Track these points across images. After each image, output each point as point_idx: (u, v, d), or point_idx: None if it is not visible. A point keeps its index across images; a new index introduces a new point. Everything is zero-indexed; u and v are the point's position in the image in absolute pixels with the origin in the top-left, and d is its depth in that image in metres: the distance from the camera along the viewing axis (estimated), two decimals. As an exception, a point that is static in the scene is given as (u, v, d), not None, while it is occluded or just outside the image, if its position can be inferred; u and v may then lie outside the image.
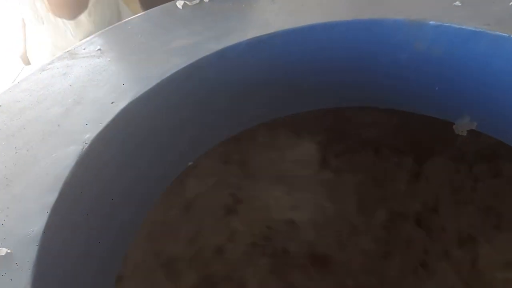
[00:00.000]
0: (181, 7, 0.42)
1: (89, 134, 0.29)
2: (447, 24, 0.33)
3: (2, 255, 0.23)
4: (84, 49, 0.39)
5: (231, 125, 0.39)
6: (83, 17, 0.72)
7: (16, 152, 0.29)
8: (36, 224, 0.24)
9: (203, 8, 0.41)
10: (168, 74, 0.34)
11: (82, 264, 0.26)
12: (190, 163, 0.36)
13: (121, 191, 0.30)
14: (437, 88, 0.36)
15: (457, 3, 0.34)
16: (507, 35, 0.30)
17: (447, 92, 0.36)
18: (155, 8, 0.42)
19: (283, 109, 0.41)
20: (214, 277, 0.49)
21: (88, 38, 0.40)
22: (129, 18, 0.42)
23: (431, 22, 0.33)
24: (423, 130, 0.42)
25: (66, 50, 0.40)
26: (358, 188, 0.51)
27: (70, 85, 0.35)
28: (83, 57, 0.38)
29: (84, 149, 0.28)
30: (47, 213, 0.25)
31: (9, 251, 0.23)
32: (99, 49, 0.38)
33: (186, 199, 0.44)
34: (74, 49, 0.39)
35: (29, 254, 0.23)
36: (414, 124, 0.42)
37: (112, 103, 0.32)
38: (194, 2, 0.42)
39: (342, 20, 0.36)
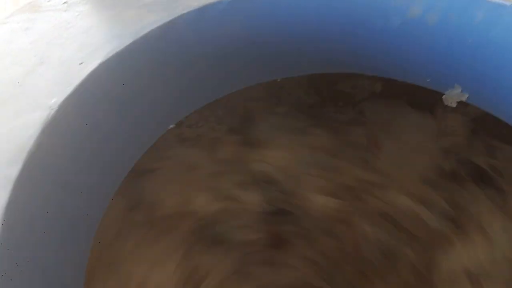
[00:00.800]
0: (156, -42, 0.38)
1: (56, 99, 0.26)
2: (445, -11, 0.31)
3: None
4: (48, 1, 0.35)
5: (209, 90, 0.36)
6: None
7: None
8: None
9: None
10: (142, 33, 0.31)
11: (49, 240, 0.24)
12: (171, 126, 0.34)
13: (93, 160, 0.28)
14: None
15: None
16: (509, 3, 0.29)
17: (439, 61, 0.34)
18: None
19: (265, 75, 0.39)
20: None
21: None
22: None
23: (428, -14, 0.31)
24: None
25: (28, 1, 0.36)
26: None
27: (32, 42, 0.31)
28: (48, 10, 0.34)
29: (50, 115, 0.26)
30: (10, 187, 0.22)
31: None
32: (65, 2, 0.34)
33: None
34: (36, 2, 0.35)
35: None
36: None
37: (80, 63, 0.29)
38: (171, -48, 0.38)
39: (334, -21, 0.33)
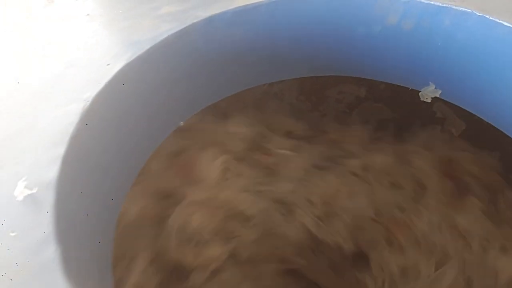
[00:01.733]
0: (165, -24, 0.43)
1: (89, 93, 0.31)
2: (417, 0, 0.36)
3: (24, 195, 0.24)
4: (71, 12, 0.40)
5: (218, 90, 0.41)
6: None
7: (15, 112, 0.30)
8: (51, 171, 0.26)
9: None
10: (158, 40, 0.35)
11: (92, 205, 0.28)
12: (181, 123, 0.38)
13: (121, 144, 0.32)
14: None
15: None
16: (470, 10, 0.34)
17: (415, 62, 0.40)
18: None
19: (263, 77, 0.44)
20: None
21: (74, 2, 0.41)
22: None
23: (403, -3, 0.37)
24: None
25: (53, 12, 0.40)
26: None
27: (60, 49, 0.35)
28: (72, 20, 0.38)
29: (86, 106, 0.30)
30: (59, 162, 0.26)
31: (33, 191, 0.24)
32: (88, 14, 0.39)
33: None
34: (60, 13, 0.40)
35: (48, 196, 0.24)
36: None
37: (108, 65, 0.33)
38: (178, -29, 0.43)
39: (323, -7, 0.39)
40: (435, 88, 0.40)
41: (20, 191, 0.25)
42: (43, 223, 0.24)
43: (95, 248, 0.27)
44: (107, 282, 0.28)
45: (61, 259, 0.22)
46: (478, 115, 0.40)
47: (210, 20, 0.37)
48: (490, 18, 0.34)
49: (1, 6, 0.40)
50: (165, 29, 0.36)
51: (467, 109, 0.40)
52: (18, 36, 0.39)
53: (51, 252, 0.22)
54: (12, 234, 0.24)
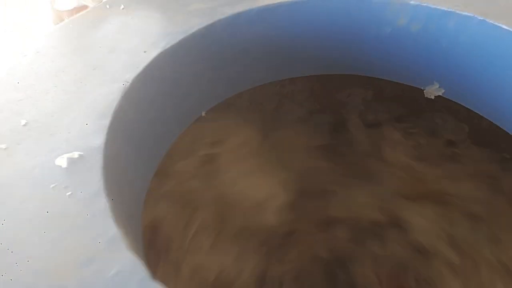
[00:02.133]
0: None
1: (129, 75, 0.34)
2: (424, 4, 0.40)
3: (75, 157, 0.28)
4: (108, 7, 0.43)
5: (238, 82, 0.44)
6: None
7: (63, 89, 0.34)
8: (98, 139, 0.29)
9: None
10: (190, 32, 0.39)
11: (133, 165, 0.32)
12: (203, 114, 0.42)
13: (155, 119, 0.36)
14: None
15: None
16: (472, 14, 0.38)
17: (420, 62, 0.43)
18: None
19: (282, 73, 0.47)
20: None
21: (111, -1, 0.45)
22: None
23: (411, 2, 0.40)
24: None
25: (89, 9, 0.44)
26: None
27: (103, 37, 0.39)
28: (110, 14, 0.42)
29: (127, 86, 0.33)
30: (105, 131, 0.30)
31: (81, 153, 0.28)
32: (123, 8, 0.43)
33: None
34: (99, 7, 0.44)
35: (97, 159, 0.28)
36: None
37: (145, 52, 0.37)
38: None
39: (339, -4, 0.43)
40: (439, 87, 0.44)
41: (71, 156, 0.29)
42: (95, 181, 0.27)
43: (133, 197, 0.31)
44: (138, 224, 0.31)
45: (110, 208, 0.26)
46: (479, 113, 0.43)
47: (235, 17, 0.41)
48: (490, 21, 0.37)
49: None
50: (194, 23, 0.40)
51: (469, 108, 0.43)
52: (71, 27, 0.42)
53: (102, 203, 0.26)
54: (68, 193, 0.27)
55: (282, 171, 0.52)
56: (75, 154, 0.28)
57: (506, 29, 0.37)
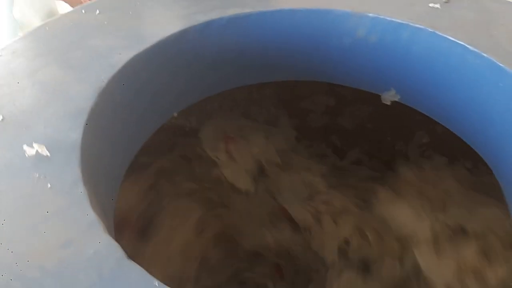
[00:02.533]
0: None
1: (104, 75, 0.36)
2: (381, 17, 0.44)
3: (54, 150, 0.29)
4: (83, 11, 0.45)
5: (209, 86, 0.47)
6: None
7: (40, 87, 0.36)
8: (75, 134, 0.31)
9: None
10: (163, 36, 0.41)
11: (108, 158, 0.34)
12: (175, 114, 0.44)
13: (128, 118, 0.37)
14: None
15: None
16: (423, 27, 0.42)
17: (378, 70, 0.47)
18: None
19: (250, 79, 0.50)
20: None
21: (85, 4, 0.46)
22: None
23: (370, 14, 0.44)
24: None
25: (66, 12, 0.46)
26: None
27: (78, 39, 0.41)
28: (85, 18, 0.44)
29: (102, 86, 0.35)
30: (82, 128, 0.31)
31: (59, 146, 0.29)
32: (99, 13, 0.44)
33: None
34: (74, 11, 0.45)
35: (74, 152, 0.29)
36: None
37: (119, 54, 0.39)
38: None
39: (303, 8, 0.46)
40: (395, 93, 0.47)
41: (49, 147, 0.30)
42: (73, 172, 0.29)
43: (109, 189, 0.32)
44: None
45: (88, 196, 0.27)
46: (432, 117, 0.47)
47: (207, 24, 0.44)
48: (439, 33, 0.41)
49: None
50: (169, 29, 0.42)
51: (423, 112, 0.47)
52: (47, 30, 0.43)
53: (80, 192, 0.27)
54: (47, 183, 0.28)
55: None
56: (53, 147, 0.30)
57: (453, 40, 0.41)
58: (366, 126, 0.63)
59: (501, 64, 0.38)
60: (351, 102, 0.61)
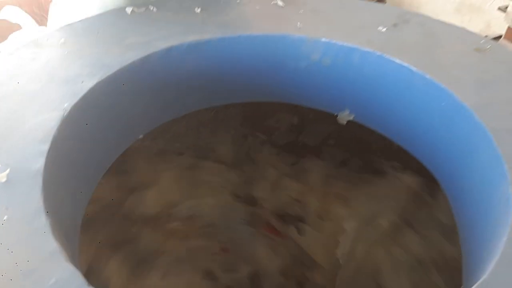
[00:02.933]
0: (129, 13, 0.50)
1: (67, 104, 0.37)
2: (334, 41, 0.46)
3: (15, 179, 0.30)
4: (47, 40, 0.46)
5: (173, 109, 0.48)
6: None
7: (2, 116, 0.36)
8: (37, 163, 0.32)
9: (149, 15, 0.50)
10: (125, 63, 0.43)
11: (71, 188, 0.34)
12: (140, 136, 0.45)
13: (90, 145, 0.39)
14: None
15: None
16: (372, 50, 0.45)
17: (333, 91, 0.49)
18: (107, 11, 0.51)
19: (211, 101, 0.52)
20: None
21: (49, 32, 0.48)
22: (85, 18, 0.50)
23: (323, 39, 0.46)
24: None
25: (29, 41, 0.47)
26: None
27: (41, 67, 0.42)
28: (48, 46, 0.45)
29: (65, 114, 0.36)
30: (44, 156, 0.32)
31: (21, 175, 0.31)
32: (63, 41, 0.45)
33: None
34: (37, 40, 0.46)
35: (36, 181, 0.31)
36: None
37: (82, 82, 0.40)
38: (141, 10, 0.51)
39: (260, 33, 0.48)
40: (349, 113, 0.50)
41: (9, 177, 0.31)
42: (34, 200, 0.30)
43: (73, 216, 0.34)
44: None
45: (50, 225, 0.28)
46: (383, 134, 0.50)
47: (168, 50, 0.45)
48: (387, 56, 0.44)
49: None
50: (130, 56, 0.44)
51: (376, 129, 0.50)
52: (10, 58, 0.44)
53: (42, 221, 0.29)
54: (8, 213, 0.29)
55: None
56: (15, 176, 0.31)
57: (399, 63, 0.44)
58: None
59: (443, 85, 0.41)
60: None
